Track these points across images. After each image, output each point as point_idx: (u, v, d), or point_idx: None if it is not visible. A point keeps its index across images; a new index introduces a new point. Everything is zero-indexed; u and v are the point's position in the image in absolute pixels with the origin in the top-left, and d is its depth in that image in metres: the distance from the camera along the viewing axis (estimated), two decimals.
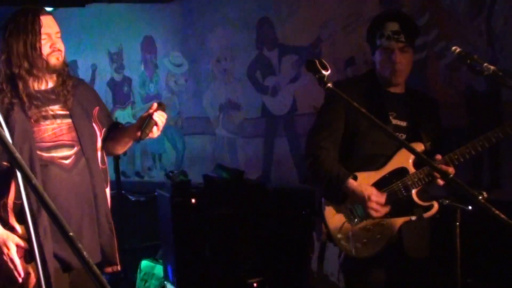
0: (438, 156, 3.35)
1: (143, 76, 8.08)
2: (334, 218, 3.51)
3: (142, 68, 8.06)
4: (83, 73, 8.47)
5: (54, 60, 3.20)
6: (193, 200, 5.45)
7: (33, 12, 3.17)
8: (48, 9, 7.72)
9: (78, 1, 6.93)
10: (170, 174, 5.97)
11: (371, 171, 3.51)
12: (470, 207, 2.66)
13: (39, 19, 3.15)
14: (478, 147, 3.32)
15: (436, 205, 3.43)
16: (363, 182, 3.47)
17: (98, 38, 8.38)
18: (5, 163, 2.96)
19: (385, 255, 3.51)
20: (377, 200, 3.39)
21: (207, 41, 7.03)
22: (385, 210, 3.42)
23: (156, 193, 5.86)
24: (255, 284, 5.47)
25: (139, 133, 3.22)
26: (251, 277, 5.46)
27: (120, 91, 8.43)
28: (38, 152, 3.05)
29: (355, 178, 3.45)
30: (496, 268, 4.25)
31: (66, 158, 3.12)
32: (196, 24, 7.16)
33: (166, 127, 7.88)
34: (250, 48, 6.51)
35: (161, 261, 5.85)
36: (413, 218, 3.47)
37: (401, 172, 3.49)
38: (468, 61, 2.98)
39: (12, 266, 2.97)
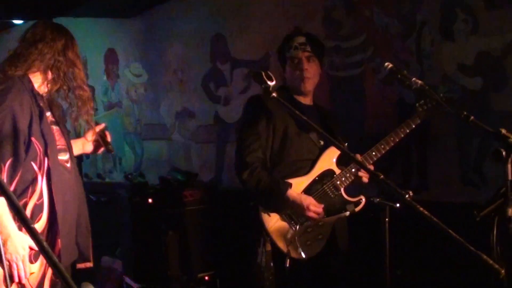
0: (357, 155, 3.42)
1: (105, 85, 8.02)
2: (275, 226, 3.43)
3: (105, 78, 8.00)
4: None
5: None
6: (150, 200, 5.43)
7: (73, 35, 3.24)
8: (18, 21, 7.69)
9: (46, 15, 6.85)
10: (129, 176, 5.96)
11: (301, 177, 3.49)
12: (398, 205, 2.72)
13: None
14: (390, 142, 3.45)
15: (363, 199, 3.48)
16: (298, 189, 3.46)
17: None
18: (33, 163, 2.88)
19: (323, 251, 3.53)
20: (314, 209, 3.38)
21: (165, 54, 7.02)
22: (323, 213, 3.42)
23: (116, 194, 5.82)
24: (206, 278, 5.47)
25: (103, 149, 3.46)
26: (203, 271, 5.46)
27: None
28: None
29: (290, 186, 3.43)
30: (421, 259, 4.34)
31: (67, 161, 3.08)
32: (155, 38, 7.15)
33: (126, 132, 7.87)
34: (205, 61, 6.52)
35: (120, 256, 5.81)
36: (347, 213, 3.50)
37: (329, 173, 3.51)
38: (399, 75, 3.04)
39: (21, 267, 2.79)
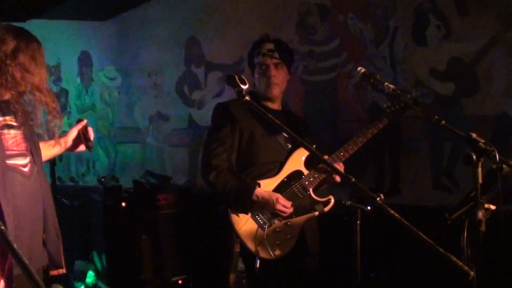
0: (325, 156, 3.45)
1: (79, 88, 7.96)
2: (244, 228, 3.47)
3: (79, 81, 7.95)
4: None
5: None
6: (123, 204, 5.38)
7: (35, 38, 3.15)
8: None
9: (20, 17, 6.79)
10: (102, 179, 5.91)
11: (270, 178, 3.54)
12: (369, 208, 2.74)
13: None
14: (358, 142, 3.49)
15: (332, 199, 3.53)
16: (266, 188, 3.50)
17: None
18: None
19: (293, 252, 3.54)
20: (284, 203, 3.42)
21: (139, 57, 6.99)
22: (291, 210, 3.45)
23: (89, 197, 5.77)
24: (180, 282, 5.45)
25: (80, 148, 3.41)
26: (176, 275, 5.44)
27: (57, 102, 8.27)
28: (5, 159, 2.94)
29: (259, 185, 3.48)
30: (394, 262, 4.37)
31: (24, 166, 3.00)
32: (129, 41, 7.11)
33: (100, 136, 7.82)
34: (179, 64, 6.51)
35: (93, 260, 5.77)
36: (316, 213, 3.54)
37: (297, 174, 3.55)
38: (371, 80, 3.06)
39: None
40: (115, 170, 7.33)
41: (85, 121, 3.41)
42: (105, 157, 7.61)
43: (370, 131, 3.49)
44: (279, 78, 3.62)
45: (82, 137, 3.36)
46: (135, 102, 7.14)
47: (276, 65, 3.60)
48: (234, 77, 2.70)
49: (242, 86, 2.68)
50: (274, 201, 3.41)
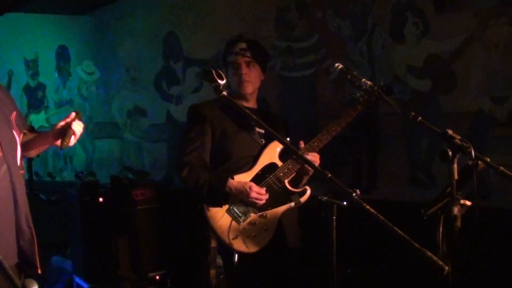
0: (301, 143, 3.46)
1: (57, 83, 7.92)
2: (220, 222, 3.44)
3: (56, 75, 7.90)
4: (0, 78, 8.25)
5: None
6: (100, 199, 5.35)
7: None
8: None
9: None
10: (80, 174, 5.87)
11: (245, 172, 3.53)
12: (345, 203, 2.75)
13: None
14: (332, 131, 3.48)
15: (308, 189, 3.52)
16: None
17: (15, 45, 8.17)
18: None
19: (269, 245, 3.52)
20: (257, 190, 3.41)
21: (118, 52, 6.96)
22: (265, 197, 3.44)
23: (66, 193, 5.73)
24: (157, 277, 5.42)
25: (58, 142, 3.03)
26: (154, 271, 5.42)
27: (35, 96, 8.23)
28: None
29: (232, 178, 3.48)
30: (369, 257, 4.39)
31: None
32: (107, 35, 7.08)
33: None
34: (157, 59, 6.49)
35: (70, 256, 5.74)
36: (292, 204, 3.52)
37: (271, 167, 3.54)
38: (349, 76, 3.07)
39: None
40: (93, 166, 7.30)
41: (72, 115, 3.06)
42: (82, 152, 7.57)
43: (343, 119, 3.49)
44: (251, 76, 3.63)
45: (64, 131, 3.01)
46: (113, 97, 7.11)
47: (247, 63, 3.63)
48: (211, 72, 2.69)
49: (219, 81, 2.68)
50: (248, 189, 3.39)
